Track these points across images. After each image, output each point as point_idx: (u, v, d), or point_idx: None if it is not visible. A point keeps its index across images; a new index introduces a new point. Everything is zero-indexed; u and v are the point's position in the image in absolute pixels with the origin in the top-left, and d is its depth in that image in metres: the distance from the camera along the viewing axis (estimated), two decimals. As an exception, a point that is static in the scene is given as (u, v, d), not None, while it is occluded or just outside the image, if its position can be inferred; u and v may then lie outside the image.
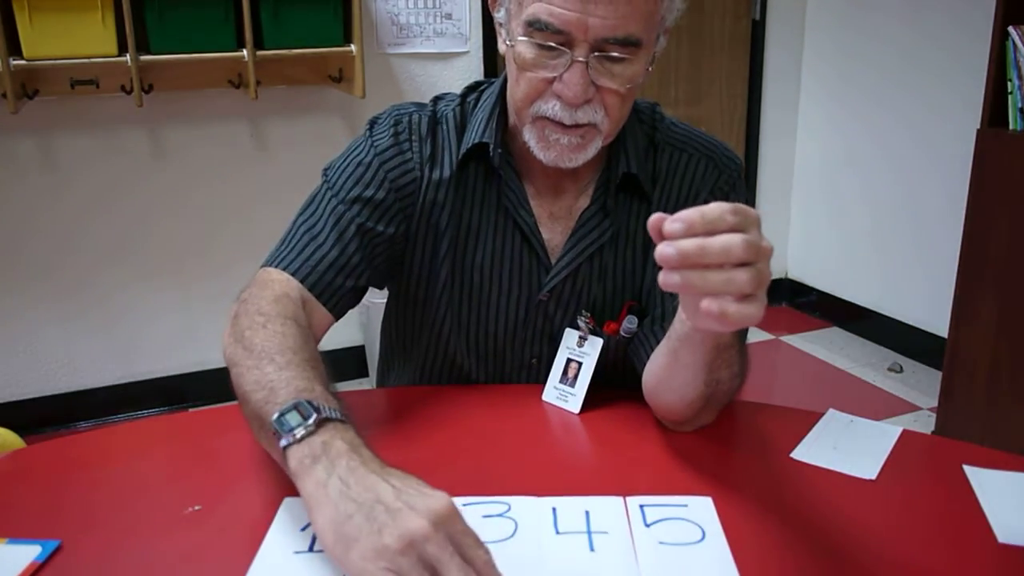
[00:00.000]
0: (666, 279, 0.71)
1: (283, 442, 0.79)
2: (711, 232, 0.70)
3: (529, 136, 1.06)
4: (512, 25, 1.02)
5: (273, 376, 0.87)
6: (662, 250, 0.70)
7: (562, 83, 0.99)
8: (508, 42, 1.04)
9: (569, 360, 1.13)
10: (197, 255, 2.87)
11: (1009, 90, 2.31)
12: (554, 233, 1.15)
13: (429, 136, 1.14)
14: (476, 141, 1.11)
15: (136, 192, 2.76)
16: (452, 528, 0.70)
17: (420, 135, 1.13)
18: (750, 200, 1.15)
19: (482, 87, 1.19)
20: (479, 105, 1.16)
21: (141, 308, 2.85)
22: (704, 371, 0.93)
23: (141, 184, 2.76)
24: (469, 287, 1.15)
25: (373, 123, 1.16)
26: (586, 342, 1.13)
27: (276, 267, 1.08)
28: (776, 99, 3.68)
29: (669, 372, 0.98)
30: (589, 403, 1.09)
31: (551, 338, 1.16)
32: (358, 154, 1.13)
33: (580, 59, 0.97)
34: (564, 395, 1.11)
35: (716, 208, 0.70)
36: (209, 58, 2.52)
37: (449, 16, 2.97)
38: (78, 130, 2.65)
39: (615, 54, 0.98)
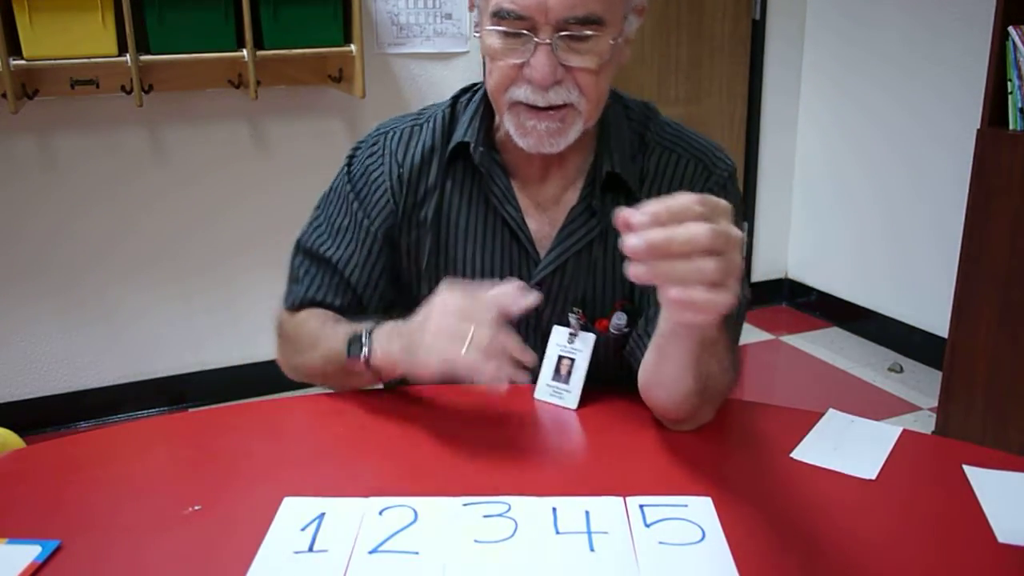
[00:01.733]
0: (635, 270, 0.73)
1: (362, 358, 1.05)
2: (678, 222, 0.71)
3: (508, 124, 1.08)
4: (483, 19, 1.05)
5: (326, 339, 1.12)
6: (629, 241, 0.72)
7: (530, 67, 1.02)
8: (485, 28, 1.06)
9: (561, 357, 1.13)
10: (197, 255, 2.87)
11: (1009, 90, 2.31)
12: (541, 224, 1.16)
13: (406, 146, 1.18)
14: (459, 140, 1.14)
15: (136, 192, 2.76)
16: (457, 294, 0.97)
17: (391, 149, 1.18)
18: (746, 202, 1.16)
19: (476, 88, 1.20)
20: (468, 105, 1.18)
21: (141, 308, 2.85)
22: (692, 366, 0.94)
23: (141, 184, 2.76)
24: (460, 282, 1.17)
25: (352, 151, 1.22)
26: (577, 338, 1.13)
27: (291, 310, 1.21)
28: (776, 99, 3.68)
29: (658, 368, 0.99)
30: (588, 402, 1.09)
31: (542, 335, 1.17)
32: (336, 188, 1.21)
33: (545, 41, 1.00)
34: (559, 392, 1.11)
35: (682, 199, 0.73)
36: (209, 58, 2.52)
37: (449, 16, 2.97)
38: (78, 130, 2.65)
39: (579, 33, 1.00)
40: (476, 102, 1.17)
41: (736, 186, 1.19)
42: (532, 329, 1.17)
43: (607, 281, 1.15)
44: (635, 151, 1.16)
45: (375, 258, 1.18)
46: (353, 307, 1.18)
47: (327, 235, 1.19)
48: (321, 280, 1.19)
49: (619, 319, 1.15)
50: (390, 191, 1.17)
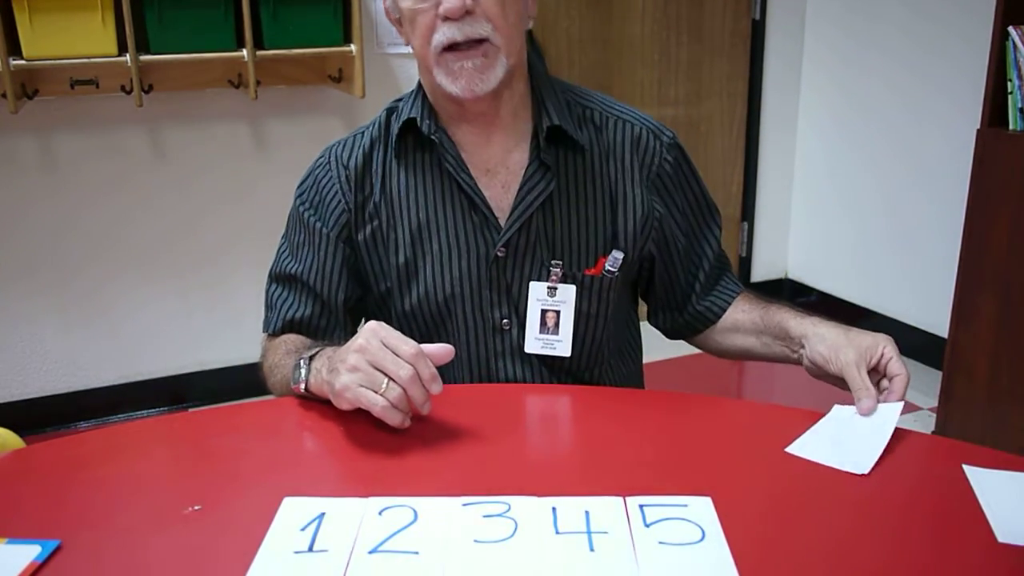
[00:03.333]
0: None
1: (302, 385, 1.07)
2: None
3: (440, 77, 1.13)
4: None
5: (282, 365, 1.17)
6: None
7: (441, 5, 1.09)
8: (395, 15, 1.16)
9: (544, 311, 1.19)
10: (197, 255, 2.87)
11: (1009, 90, 2.31)
12: (493, 189, 1.21)
13: (350, 150, 1.24)
14: (406, 118, 1.20)
15: (136, 192, 2.76)
16: (381, 335, 0.97)
17: (336, 155, 1.25)
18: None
19: (410, 91, 1.28)
20: (408, 98, 1.25)
21: (141, 308, 2.85)
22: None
23: (141, 184, 2.76)
24: (431, 253, 1.21)
25: (300, 181, 1.28)
26: (557, 291, 1.19)
27: (271, 337, 1.27)
28: (776, 99, 3.68)
29: (746, 352, 1.28)
30: (589, 402, 1.09)
31: (513, 297, 1.21)
32: (291, 217, 1.29)
33: None
34: (550, 344, 1.19)
35: (902, 384, 1.06)
36: (209, 58, 2.52)
37: (449, 16, 2.97)
38: (78, 130, 2.65)
39: None
40: (414, 90, 1.24)
41: (685, 151, 1.29)
42: (504, 290, 1.21)
43: (581, 231, 1.22)
44: (578, 117, 1.23)
45: (333, 260, 1.23)
46: (323, 313, 1.25)
47: (290, 256, 1.27)
48: (290, 297, 1.25)
49: (616, 256, 1.22)
50: (340, 192, 1.23)
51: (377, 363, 0.96)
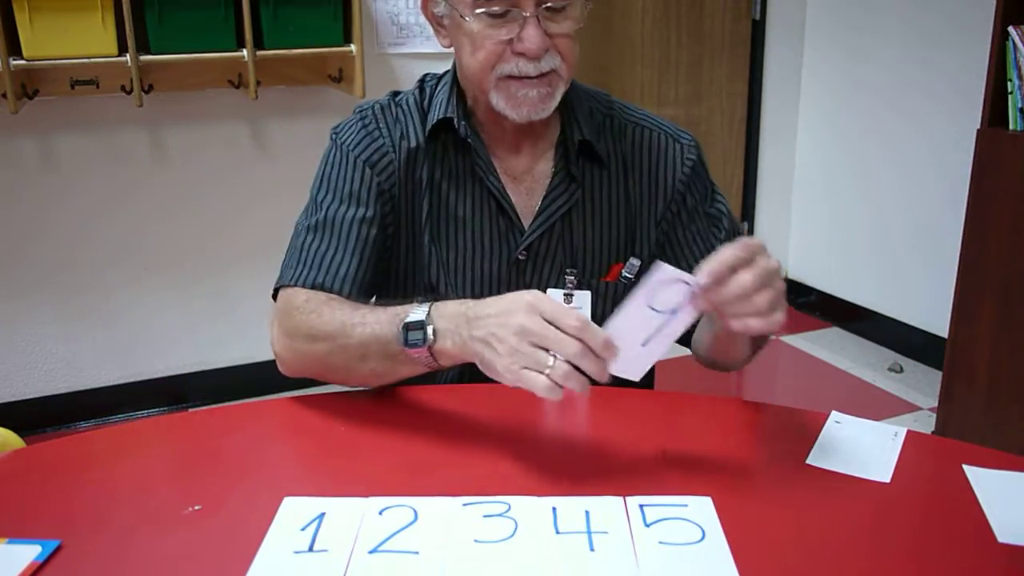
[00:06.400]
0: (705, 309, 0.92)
1: (424, 350, 0.98)
2: (733, 270, 0.88)
3: (497, 99, 1.13)
4: (460, 8, 1.11)
5: (363, 326, 1.04)
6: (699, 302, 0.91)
7: (521, 41, 1.08)
8: (465, 17, 1.11)
9: None
10: (197, 255, 2.87)
11: (1009, 90, 2.31)
12: (518, 195, 1.22)
13: (392, 116, 1.23)
14: (442, 116, 1.19)
15: (136, 192, 2.76)
16: (542, 308, 0.89)
17: (385, 118, 1.22)
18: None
19: (438, 76, 1.27)
20: (439, 87, 1.24)
21: (141, 307, 2.85)
22: (742, 345, 1.14)
23: (141, 184, 2.76)
24: (455, 249, 1.21)
25: (336, 129, 1.24)
26: (574, 297, 1.21)
27: (296, 286, 1.15)
28: (776, 99, 3.68)
29: (719, 350, 1.17)
30: (589, 402, 1.09)
31: None
32: (332, 163, 1.21)
33: (532, 15, 1.08)
34: None
35: (727, 252, 0.88)
36: (209, 58, 2.52)
37: (449, 16, 2.96)
38: (78, 130, 2.65)
39: (557, 4, 1.09)
40: (447, 83, 1.23)
41: (701, 152, 1.30)
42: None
43: (599, 240, 1.23)
44: (599, 125, 1.24)
45: (388, 216, 1.19)
46: (369, 270, 1.16)
47: (337, 201, 1.18)
48: (337, 246, 1.15)
49: (634, 263, 1.23)
50: (393, 151, 1.20)
51: (541, 343, 0.88)
